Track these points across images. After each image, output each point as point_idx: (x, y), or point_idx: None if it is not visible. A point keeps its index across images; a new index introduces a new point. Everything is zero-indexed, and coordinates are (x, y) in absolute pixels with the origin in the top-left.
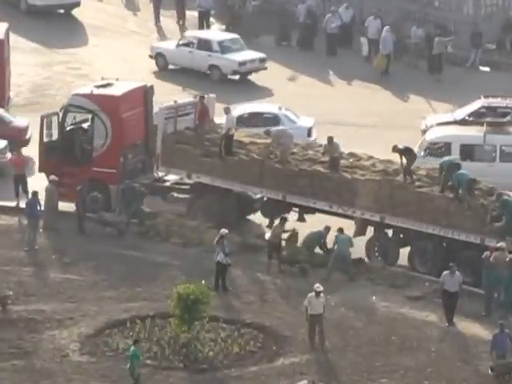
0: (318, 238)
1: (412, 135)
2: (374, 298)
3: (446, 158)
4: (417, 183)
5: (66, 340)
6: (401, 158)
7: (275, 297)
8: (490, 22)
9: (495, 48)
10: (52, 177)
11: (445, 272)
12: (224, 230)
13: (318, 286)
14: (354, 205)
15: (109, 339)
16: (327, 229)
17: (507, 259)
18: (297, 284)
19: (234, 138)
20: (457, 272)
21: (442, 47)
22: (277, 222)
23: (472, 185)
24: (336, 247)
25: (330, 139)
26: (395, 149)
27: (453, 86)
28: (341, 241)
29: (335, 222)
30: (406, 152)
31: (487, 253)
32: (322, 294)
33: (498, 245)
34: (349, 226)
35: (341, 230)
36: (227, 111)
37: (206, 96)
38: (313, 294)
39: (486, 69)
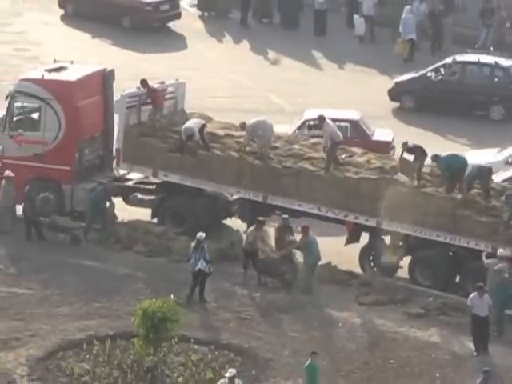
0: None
1: None
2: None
3: (449, 155)
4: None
5: (13, 363)
6: (415, 158)
7: (254, 314)
8: None
9: (510, 27)
10: (7, 172)
11: (472, 294)
12: (201, 234)
13: (231, 371)
14: (346, 207)
15: (62, 363)
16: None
17: None
18: (279, 299)
19: (206, 129)
20: (486, 293)
21: None
22: (251, 227)
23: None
24: (310, 251)
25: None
26: (405, 147)
27: None
28: (312, 243)
29: (326, 227)
30: (417, 151)
31: (492, 262)
32: (236, 380)
33: (498, 253)
34: (340, 232)
35: (306, 229)
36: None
37: (175, 82)
38: (226, 381)
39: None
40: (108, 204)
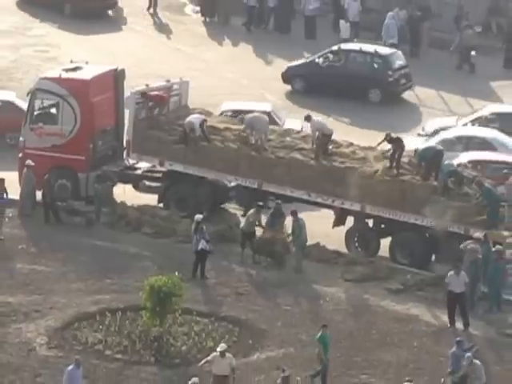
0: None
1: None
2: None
3: (428, 146)
4: (400, 171)
5: (33, 333)
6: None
7: (251, 289)
8: (476, 3)
9: (481, 31)
10: (28, 161)
11: (450, 272)
12: (199, 216)
13: (223, 346)
14: (334, 193)
15: (77, 333)
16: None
17: (494, 250)
18: (273, 276)
19: (207, 123)
20: (462, 272)
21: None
22: (251, 211)
23: (460, 175)
24: (300, 233)
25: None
26: (386, 137)
27: (435, 69)
28: (303, 225)
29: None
30: (398, 142)
31: (469, 244)
32: (227, 354)
33: (475, 235)
34: (328, 216)
35: (295, 213)
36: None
37: (179, 80)
38: (217, 353)
39: (472, 52)
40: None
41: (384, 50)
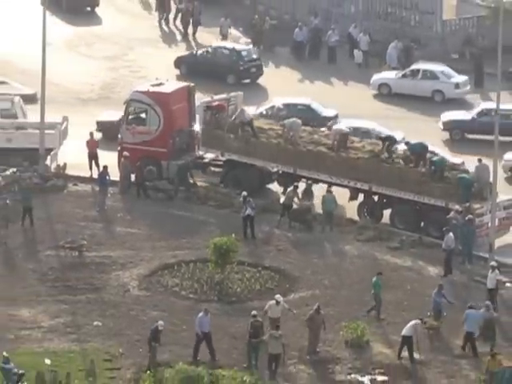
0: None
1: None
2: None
3: (417, 142)
4: (396, 160)
5: (128, 279)
6: (383, 143)
7: (287, 246)
8: (454, 37)
9: (457, 57)
10: (125, 153)
11: (447, 235)
12: (244, 193)
13: (279, 297)
14: (349, 176)
15: (160, 278)
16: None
17: (466, 218)
18: (304, 236)
19: (255, 125)
20: (451, 234)
21: None
22: (289, 189)
23: (445, 163)
24: (326, 205)
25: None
26: (379, 137)
27: None
28: (328, 200)
29: (334, 190)
30: (388, 138)
31: (452, 214)
32: (281, 302)
33: (455, 208)
34: (344, 193)
35: (329, 191)
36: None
37: (235, 93)
38: (273, 302)
39: None
40: (189, 174)
41: (240, 48)
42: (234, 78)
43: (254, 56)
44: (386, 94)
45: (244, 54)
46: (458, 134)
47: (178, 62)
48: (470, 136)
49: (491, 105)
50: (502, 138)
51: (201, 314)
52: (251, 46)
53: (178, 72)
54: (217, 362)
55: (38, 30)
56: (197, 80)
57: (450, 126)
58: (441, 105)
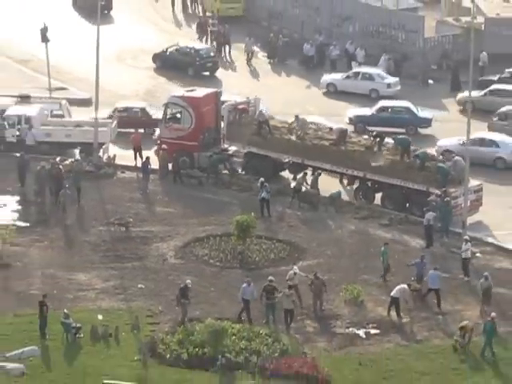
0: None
1: None
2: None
3: (403, 137)
4: (385, 152)
5: (166, 249)
6: (374, 139)
7: (297, 223)
8: (434, 51)
9: (436, 68)
10: (163, 146)
11: (427, 214)
12: (261, 179)
13: (296, 269)
14: (347, 166)
15: (193, 249)
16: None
17: (445, 200)
18: (311, 215)
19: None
20: (430, 212)
21: None
22: (299, 175)
23: (427, 156)
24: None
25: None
26: (371, 134)
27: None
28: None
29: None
30: (378, 135)
31: (432, 196)
32: (298, 273)
33: (435, 192)
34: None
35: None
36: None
37: (254, 97)
38: (292, 272)
39: (431, 81)
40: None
41: (199, 47)
42: (193, 71)
43: (211, 54)
44: (332, 91)
45: (202, 52)
46: (361, 127)
47: (155, 58)
48: (370, 128)
49: (387, 103)
50: (394, 130)
51: (244, 285)
52: (209, 46)
53: (154, 65)
54: (243, 320)
55: (93, 44)
56: (167, 71)
57: (355, 121)
58: (375, 100)
